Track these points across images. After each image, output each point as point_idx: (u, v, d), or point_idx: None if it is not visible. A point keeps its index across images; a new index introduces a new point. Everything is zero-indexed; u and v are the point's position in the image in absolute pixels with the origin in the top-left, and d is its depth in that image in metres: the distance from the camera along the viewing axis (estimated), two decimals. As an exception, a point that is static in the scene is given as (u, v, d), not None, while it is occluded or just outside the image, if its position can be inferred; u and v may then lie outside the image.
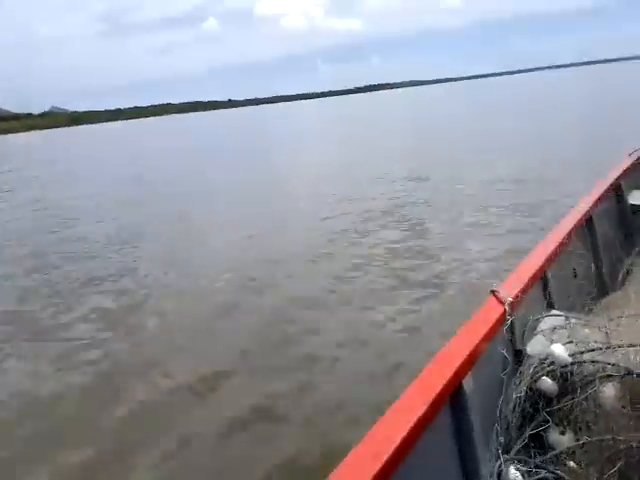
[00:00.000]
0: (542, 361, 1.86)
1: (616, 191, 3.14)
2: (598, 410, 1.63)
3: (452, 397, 1.62)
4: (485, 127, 22.79)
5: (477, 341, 1.77)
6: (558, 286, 2.17)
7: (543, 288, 2.13)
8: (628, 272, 2.28)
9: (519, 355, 1.93)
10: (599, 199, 2.73)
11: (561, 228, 2.35)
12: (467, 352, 1.70)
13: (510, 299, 1.90)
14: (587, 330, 1.88)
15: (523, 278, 2.00)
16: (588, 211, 2.56)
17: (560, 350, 1.84)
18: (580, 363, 1.79)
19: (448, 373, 1.60)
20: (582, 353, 1.81)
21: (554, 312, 2.04)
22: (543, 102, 38.09)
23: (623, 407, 1.60)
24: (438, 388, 1.53)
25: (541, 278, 2.09)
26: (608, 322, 1.86)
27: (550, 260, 2.11)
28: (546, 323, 1.99)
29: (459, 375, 1.65)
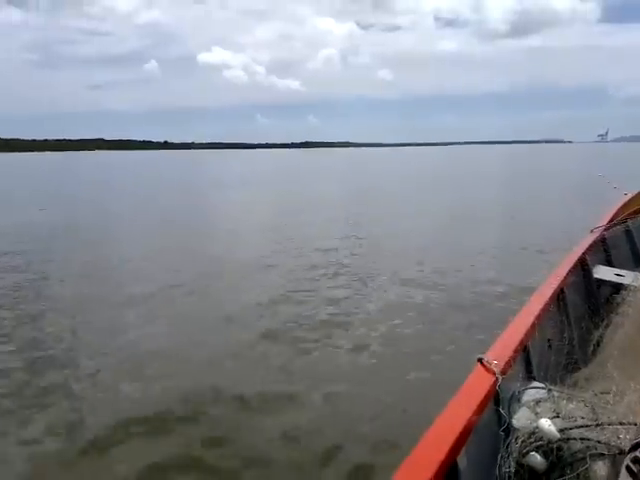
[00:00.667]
0: (530, 435, 1.79)
1: (583, 266, 3.27)
2: (589, 489, 1.58)
3: (448, 477, 1.52)
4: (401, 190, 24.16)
5: (469, 415, 1.70)
6: (537, 357, 2.17)
7: (524, 359, 2.11)
8: (598, 343, 2.34)
9: (506, 428, 1.86)
10: (568, 273, 2.83)
11: (536, 300, 2.39)
12: (460, 427, 1.62)
13: (498, 369, 1.86)
14: (572, 405, 1.85)
15: (506, 349, 1.97)
16: (560, 284, 2.64)
17: (548, 425, 1.78)
18: (569, 439, 1.74)
19: (443, 451, 1.51)
20: (571, 429, 1.76)
21: (536, 384, 2.01)
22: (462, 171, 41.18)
23: (615, 487, 1.55)
24: (434, 468, 1.44)
25: (522, 349, 2.08)
26: (592, 397, 1.84)
27: (529, 332, 2.12)
28: (529, 395, 1.95)
29: (453, 453, 1.55)
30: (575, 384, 2.03)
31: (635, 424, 1.69)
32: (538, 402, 1.89)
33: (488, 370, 1.87)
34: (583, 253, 3.27)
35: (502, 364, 1.91)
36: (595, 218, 4.24)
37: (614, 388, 1.77)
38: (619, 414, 1.73)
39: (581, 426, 1.76)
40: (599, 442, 1.69)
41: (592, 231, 3.86)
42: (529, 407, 1.88)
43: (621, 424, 1.70)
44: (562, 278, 2.72)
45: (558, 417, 1.82)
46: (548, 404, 1.87)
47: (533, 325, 2.15)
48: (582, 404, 1.83)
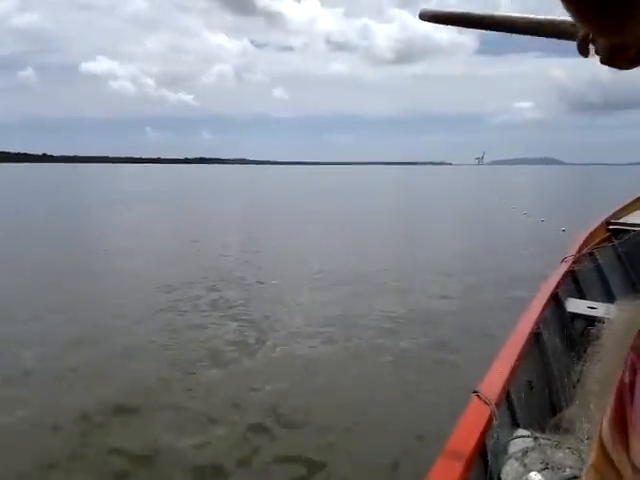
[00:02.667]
0: (520, 492, 1.70)
1: (556, 300, 3.27)
2: None
3: None
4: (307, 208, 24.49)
5: (457, 476, 1.57)
6: (520, 402, 2.10)
7: (507, 406, 2.02)
8: (578, 380, 2.31)
9: None
10: (543, 309, 2.82)
11: (514, 341, 2.35)
12: None
13: (483, 421, 1.75)
14: (560, 453, 1.79)
15: (490, 397, 1.87)
16: (536, 321, 2.62)
17: (538, 479, 1.70)
18: (560, 493, 1.67)
19: None
20: (562, 482, 1.69)
21: (522, 432, 1.93)
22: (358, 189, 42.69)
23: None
24: None
25: (505, 396, 1.99)
26: (579, 443, 1.79)
27: (510, 377, 2.06)
28: (516, 445, 1.86)
29: None
30: (560, 427, 1.97)
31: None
32: (525, 452, 1.81)
33: (475, 421, 1.76)
34: (555, 287, 3.27)
35: (487, 415, 1.80)
36: (564, 247, 4.31)
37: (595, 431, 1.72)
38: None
39: (571, 478, 1.70)
40: (591, 494, 1.64)
41: (562, 262, 3.90)
42: (517, 459, 1.79)
43: (612, 473, 1.65)
44: (537, 314, 2.70)
45: (547, 468, 1.75)
46: (536, 454, 1.79)
47: (513, 369, 2.09)
48: (569, 452, 1.78)
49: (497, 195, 32.79)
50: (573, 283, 3.76)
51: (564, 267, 3.65)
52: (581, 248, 4.16)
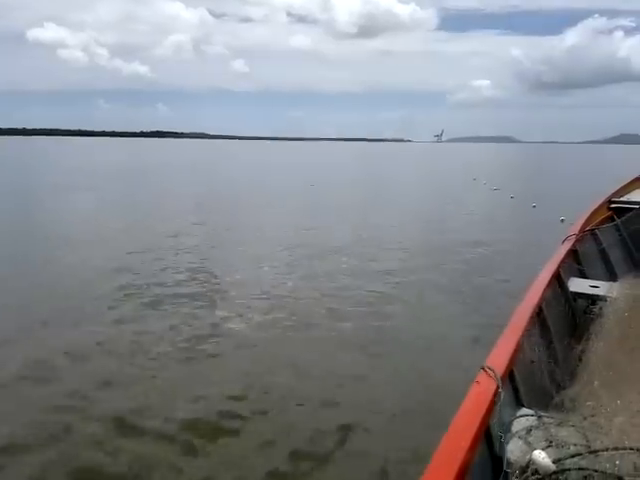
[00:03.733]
0: (524, 469, 1.69)
1: (558, 280, 3.26)
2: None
3: None
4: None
5: (463, 455, 1.58)
6: (523, 381, 2.09)
7: (511, 385, 2.01)
8: (580, 359, 2.32)
9: (499, 462, 1.75)
10: (545, 289, 2.81)
11: (517, 321, 2.33)
12: (455, 469, 1.52)
13: (487, 400, 1.73)
14: (564, 431, 1.78)
15: (493, 377, 1.85)
16: (538, 302, 2.60)
17: (542, 457, 1.68)
18: (565, 470, 1.66)
19: None
20: (565, 459, 1.68)
21: (525, 411, 1.92)
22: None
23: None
24: None
25: (509, 375, 1.98)
26: (582, 421, 1.79)
27: (513, 356, 2.05)
28: (520, 424, 1.85)
29: None
30: (563, 405, 1.98)
31: (631, 449, 1.66)
32: (529, 431, 1.80)
33: (479, 401, 1.76)
34: (557, 266, 3.27)
35: (491, 393, 1.79)
36: (565, 227, 4.31)
37: (603, 410, 1.73)
38: (612, 438, 1.69)
39: (575, 454, 1.69)
40: (595, 471, 1.64)
41: (564, 241, 3.89)
42: (521, 437, 1.78)
43: (615, 449, 1.66)
44: (540, 294, 2.69)
45: (551, 446, 1.74)
46: (540, 432, 1.78)
47: (516, 348, 2.09)
48: (573, 429, 1.78)
49: (464, 172, 33.34)
50: (575, 262, 3.78)
51: (566, 246, 3.66)
52: (583, 227, 4.17)
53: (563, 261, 3.42)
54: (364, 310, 6.43)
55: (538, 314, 2.60)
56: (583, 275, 3.76)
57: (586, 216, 4.49)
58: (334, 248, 10.04)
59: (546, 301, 2.75)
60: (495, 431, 1.79)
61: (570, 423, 1.80)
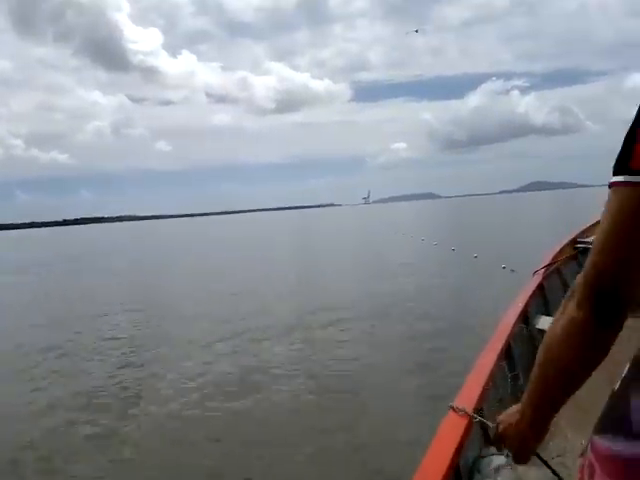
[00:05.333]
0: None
1: (525, 317, 3.27)
2: None
3: None
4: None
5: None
6: (492, 419, 1.96)
7: (480, 423, 1.88)
8: None
9: None
10: (513, 326, 2.82)
11: (486, 359, 2.30)
12: None
13: (456, 438, 1.59)
14: (532, 471, 1.63)
15: (462, 416, 1.77)
16: (507, 339, 2.60)
17: (511, 498, 1.52)
18: (536, 515, 1.50)
19: None
20: (538, 501, 1.52)
21: (494, 449, 1.77)
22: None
23: None
24: None
25: (479, 412, 1.88)
26: (550, 460, 1.65)
27: (482, 394, 1.99)
28: (489, 462, 1.70)
29: None
30: None
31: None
32: (498, 470, 1.65)
33: (448, 440, 1.68)
34: (525, 303, 3.29)
35: (460, 432, 1.70)
36: (536, 261, 4.38)
37: (569, 449, 1.61)
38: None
39: (548, 496, 1.54)
40: (562, 512, 1.49)
41: (533, 275, 3.95)
42: (490, 476, 1.63)
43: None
44: (508, 332, 2.69)
45: (520, 485, 1.59)
46: (508, 471, 1.64)
47: (485, 386, 2.05)
48: (541, 467, 1.63)
49: (395, 228, 34.21)
50: (542, 297, 3.84)
51: (533, 283, 3.74)
52: (548, 265, 4.25)
53: (531, 296, 3.47)
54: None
55: (507, 351, 2.57)
56: (547, 311, 3.81)
57: (552, 254, 4.60)
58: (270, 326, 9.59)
59: (514, 338, 2.71)
60: (464, 470, 1.70)
61: (537, 461, 1.66)
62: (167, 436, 4.93)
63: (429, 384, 5.55)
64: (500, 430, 1.14)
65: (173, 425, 5.15)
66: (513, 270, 9.92)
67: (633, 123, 0.73)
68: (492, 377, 2.20)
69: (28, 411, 5.86)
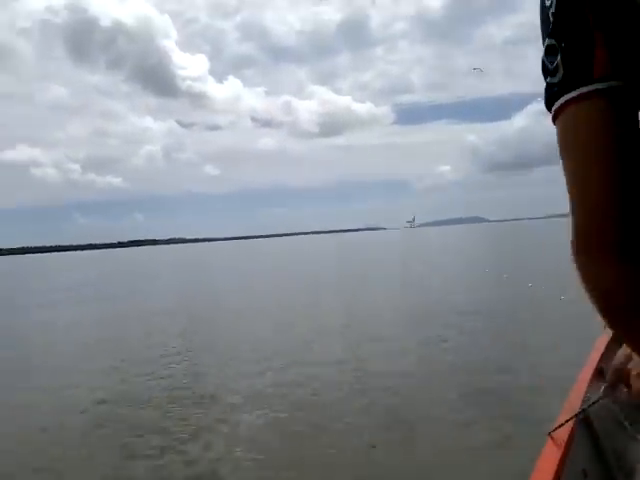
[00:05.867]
0: None
1: (602, 373, 2.81)
2: None
3: None
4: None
5: None
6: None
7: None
8: None
9: None
10: (589, 385, 2.52)
11: (561, 424, 2.07)
12: None
13: None
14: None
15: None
16: (583, 400, 2.34)
17: None
18: None
19: None
20: None
21: None
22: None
23: None
24: None
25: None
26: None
27: (560, 466, 1.82)
28: None
29: None
30: None
31: None
32: None
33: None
34: (600, 359, 2.87)
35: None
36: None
37: None
38: None
39: None
40: None
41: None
42: None
43: None
44: (584, 391, 2.43)
45: None
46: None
47: (562, 457, 1.88)
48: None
49: (466, 260, 32.61)
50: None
51: (607, 335, 3.14)
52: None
53: (606, 351, 3.00)
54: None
55: (585, 416, 2.24)
56: None
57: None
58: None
59: (592, 400, 2.29)
60: None
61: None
62: None
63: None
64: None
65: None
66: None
67: (587, 27, 0.58)
68: (570, 447, 1.99)
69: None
